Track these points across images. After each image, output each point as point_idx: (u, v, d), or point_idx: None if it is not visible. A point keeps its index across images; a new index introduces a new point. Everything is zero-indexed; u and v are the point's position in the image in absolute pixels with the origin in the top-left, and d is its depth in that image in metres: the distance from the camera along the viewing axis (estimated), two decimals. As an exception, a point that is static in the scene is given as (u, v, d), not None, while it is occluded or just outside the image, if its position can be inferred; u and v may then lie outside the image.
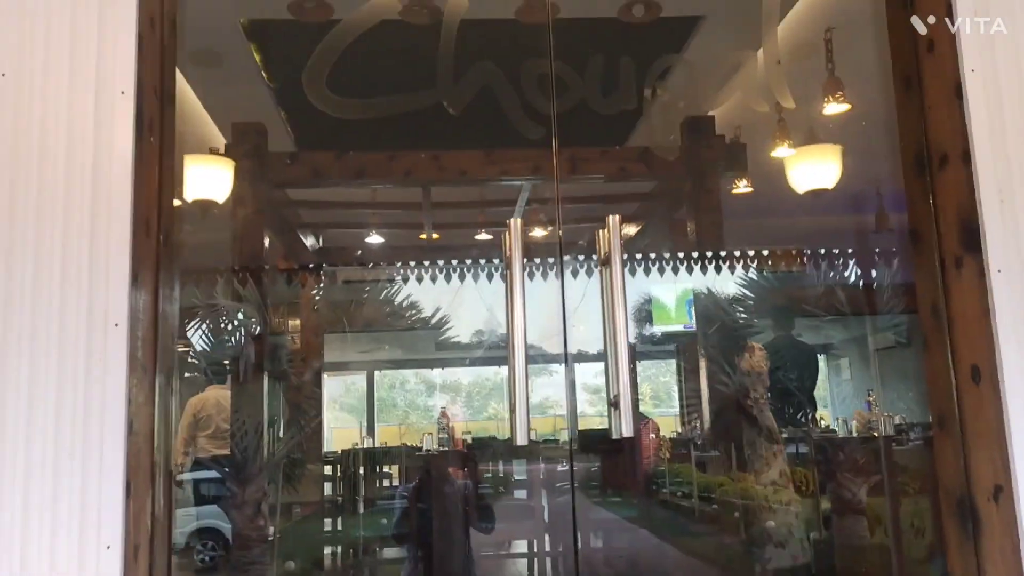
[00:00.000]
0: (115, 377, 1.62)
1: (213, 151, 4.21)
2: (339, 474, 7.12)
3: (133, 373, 1.64)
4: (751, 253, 5.27)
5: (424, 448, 7.29)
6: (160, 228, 1.81)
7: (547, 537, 5.60)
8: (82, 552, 1.55)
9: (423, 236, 6.64)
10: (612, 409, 2.00)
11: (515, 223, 2.13)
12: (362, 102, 3.10)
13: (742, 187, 5.39)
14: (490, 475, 6.38)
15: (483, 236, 6.11)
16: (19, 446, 1.57)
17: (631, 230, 5.77)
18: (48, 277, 1.63)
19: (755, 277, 5.37)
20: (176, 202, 1.96)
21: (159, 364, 1.75)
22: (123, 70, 1.74)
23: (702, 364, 5.71)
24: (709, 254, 5.19)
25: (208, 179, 3.96)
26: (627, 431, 1.99)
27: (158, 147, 1.82)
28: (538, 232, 3.93)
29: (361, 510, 6.71)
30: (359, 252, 6.91)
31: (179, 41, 1.98)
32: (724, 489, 5.23)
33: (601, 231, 2.09)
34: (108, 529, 1.56)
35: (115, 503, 1.58)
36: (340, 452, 8.02)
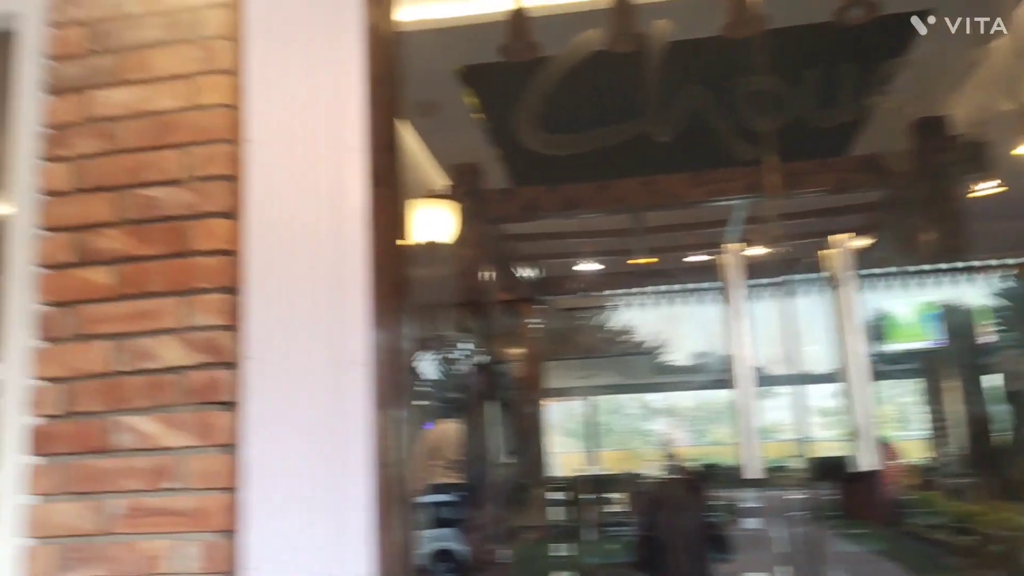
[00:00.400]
0: (360, 413, 1.73)
1: (435, 193, 4.44)
2: (565, 499, 7.21)
3: (376, 409, 1.75)
4: (1005, 261, 4.77)
5: (650, 475, 7.21)
6: (394, 271, 1.93)
7: (784, 570, 5.33)
8: (337, 579, 1.66)
9: (635, 261, 6.63)
10: (853, 440, 1.88)
11: (731, 245, 2.07)
12: (574, 137, 3.14)
13: (986, 188, 4.90)
14: (717, 503, 6.19)
15: (697, 258, 5.98)
16: (280, 480, 1.72)
17: (858, 243, 5.43)
18: (298, 323, 1.78)
19: (1013, 286, 4.86)
20: (406, 244, 2.08)
21: (398, 399, 1.86)
22: (354, 127, 1.88)
23: (953, 383, 5.25)
24: (953, 264, 4.76)
25: (433, 221, 4.19)
26: (870, 463, 1.86)
27: (389, 196, 1.95)
28: (756, 251, 3.79)
29: (589, 536, 6.73)
30: (573, 281, 7.01)
31: (403, 94, 2.11)
32: (984, 519, 4.75)
33: (828, 251, 1.99)
34: (361, 559, 1.67)
35: (366, 533, 1.68)
36: (565, 477, 8.13)
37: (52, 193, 1.89)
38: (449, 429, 5.52)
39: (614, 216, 5.62)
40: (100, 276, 1.83)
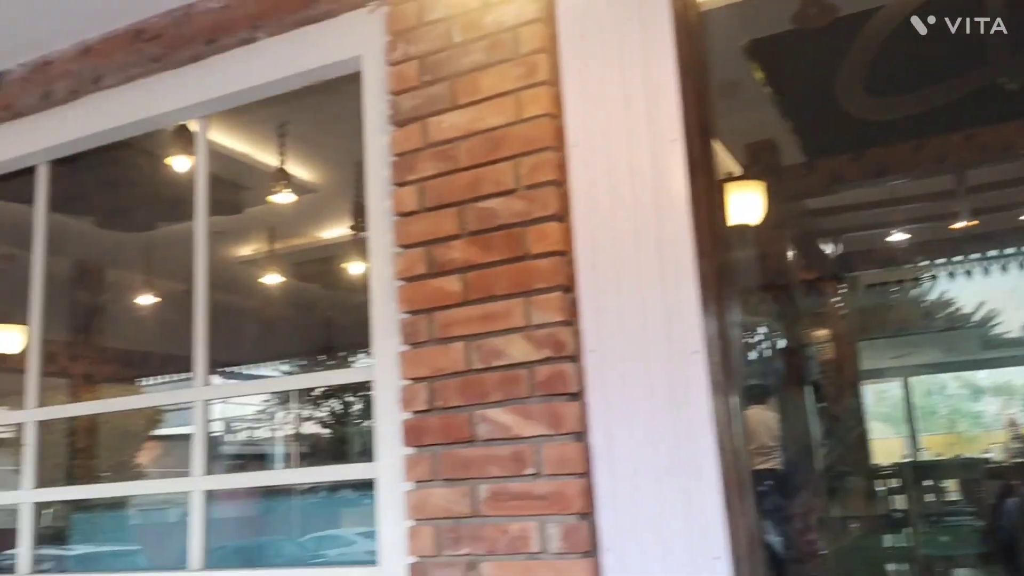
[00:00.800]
0: (700, 400, 1.76)
1: (731, 176, 4.35)
2: (891, 487, 6.75)
3: (714, 395, 1.77)
4: None
5: (990, 459, 6.50)
6: (717, 257, 1.93)
7: None
8: (693, 562, 1.70)
9: (956, 226, 6.01)
10: None
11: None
12: (905, 98, 2.90)
13: None
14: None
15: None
16: (628, 465, 1.79)
17: None
18: (631, 315, 1.85)
19: None
20: (725, 230, 2.07)
21: (732, 385, 1.86)
22: (670, 119, 1.91)
23: None
24: None
25: (735, 203, 4.12)
26: None
27: (706, 183, 1.95)
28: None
29: (920, 526, 6.23)
30: (885, 253, 6.49)
31: (710, 77, 2.10)
32: None
33: None
34: (714, 541, 1.69)
35: (717, 516, 1.70)
36: (888, 464, 7.59)
37: (404, 214, 2.12)
38: (761, 415, 5.37)
39: (931, 179, 5.13)
40: (451, 284, 2.02)
